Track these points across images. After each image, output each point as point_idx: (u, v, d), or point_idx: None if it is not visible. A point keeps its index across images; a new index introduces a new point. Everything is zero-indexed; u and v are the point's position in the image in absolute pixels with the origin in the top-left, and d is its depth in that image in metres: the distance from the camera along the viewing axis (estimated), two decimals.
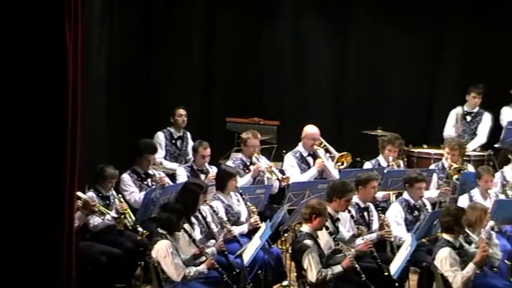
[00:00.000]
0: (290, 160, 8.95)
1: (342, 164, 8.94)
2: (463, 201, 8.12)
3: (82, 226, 7.27)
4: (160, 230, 6.64)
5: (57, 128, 5.43)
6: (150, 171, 8.28)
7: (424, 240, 7.50)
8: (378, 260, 7.05)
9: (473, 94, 9.93)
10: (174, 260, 6.49)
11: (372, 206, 7.76)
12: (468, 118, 10.01)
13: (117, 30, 9.96)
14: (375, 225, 7.68)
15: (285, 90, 11.30)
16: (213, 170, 8.48)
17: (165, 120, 9.52)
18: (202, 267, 6.66)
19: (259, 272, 7.17)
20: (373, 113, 11.01)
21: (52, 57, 5.37)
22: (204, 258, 6.81)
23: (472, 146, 9.82)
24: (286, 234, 8.07)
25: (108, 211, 7.44)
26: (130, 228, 7.54)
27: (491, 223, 7.64)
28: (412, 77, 11.17)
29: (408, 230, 7.62)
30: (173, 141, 9.42)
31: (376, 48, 11.26)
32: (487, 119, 9.96)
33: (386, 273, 6.90)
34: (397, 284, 6.96)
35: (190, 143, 9.32)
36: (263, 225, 7.21)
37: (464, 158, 9.16)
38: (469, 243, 6.94)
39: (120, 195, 7.73)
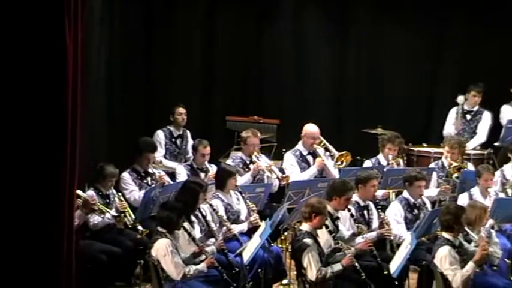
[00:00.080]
0: (290, 159, 8.96)
1: (342, 163, 8.94)
2: (462, 200, 8.12)
3: (82, 225, 7.28)
4: (160, 229, 6.64)
5: (57, 128, 5.45)
6: (150, 170, 8.29)
7: (423, 238, 7.51)
8: (377, 258, 7.05)
9: (473, 93, 9.94)
10: (174, 259, 6.49)
11: (371, 205, 7.76)
12: (468, 117, 10.02)
13: (117, 30, 9.96)
14: (375, 223, 7.69)
15: (285, 90, 11.30)
16: (212, 169, 8.49)
17: (165, 120, 9.53)
18: (202, 266, 6.67)
19: (259, 270, 7.17)
20: (373, 113, 11.01)
21: (52, 57, 5.39)
22: (203, 256, 6.80)
23: (472, 145, 9.83)
24: (286, 233, 8.10)
25: (108, 210, 7.45)
26: (130, 226, 7.55)
27: (491, 221, 7.64)
28: (412, 77, 11.17)
29: (408, 229, 7.63)
30: (173, 140, 9.43)
31: (376, 48, 11.26)
32: (486, 117, 9.97)
33: (386, 272, 6.90)
34: (396, 283, 6.97)
35: (190, 142, 9.32)
36: (263, 224, 7.20)
37: (464, 157, 9.17)
38: (469, 241, 6.95)
39: (120, 194, 7.74)
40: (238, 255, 7.11)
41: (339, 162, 8.95)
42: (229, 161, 8.78)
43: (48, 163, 5.42)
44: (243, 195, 7.87)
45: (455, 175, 8.83)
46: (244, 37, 11.17)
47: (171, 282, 6.51)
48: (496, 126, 9.97)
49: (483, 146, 9.92)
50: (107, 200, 7.63)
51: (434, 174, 8.91)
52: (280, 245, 8.22)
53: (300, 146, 9.03)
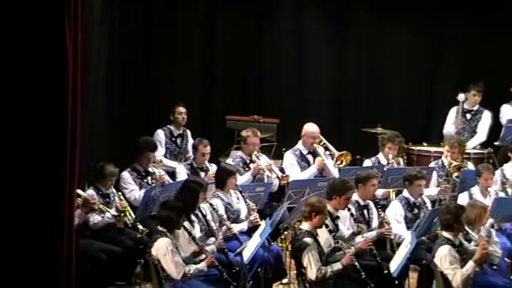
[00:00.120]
0: (290, 158, 8.97)
1: (341, 163, 8.95)
2: (462, 199, 8.12)
3: (82, 224, 7.28)
4: (160, 228, 6.64)
5: (57, 128, 5.45)
6: (150, 169, 8.30)
7: (423, 238, 7.51)
8: (377, 257, 7.05)
9: (473, 92, 9.94)
10: (174, 258, 6.49)
11: (371, 204, 7.77)
12: (468, 116, 10.02)
13: (117, 30, 9.96)
14: (375, 223, 7.69)
15: (285, 90, 11.30)
16: (212, 168, 8.50)
17: (165, 119, 9.53)
18: (202, 265, 6.67)
19: (259, 269, 7.17)
20: (373, 112, 10.99)
21: (52, 57, 5.39)
22: (203, 256, 6.80)
23: (472, 144, 9.83)
24: (286, 232, 8.10)
25: (108, 209, 7.46)
26: (130, 226, 7.56)
27: (491, 221, 7.63)
28: (412, 77, 11.17)
29: (408, 228, 7.63)
30: (173, 139, 9.43)
31: (376, 48, 11.26)
32: (486, 117, 9.97)
33: (386, 271, 6.91)
34: (396, 282, 6.98)
35: (190, 141, 9.32)
36: (263, 223, 7.21)
37: (464, 156, 9.17)
38: (469, 241, 6.94)
39: (120, 193, 7.75)
40: (238, 255, 7.11)
41: (339, 162, 8.95)
42: (229, 160, 8.78)
43: (48, 163, 5.42)
44: (243, 194, 7.87)
45: (455, 174, 8.83)
46: (244, 37, 11.17)
47: (171, 282, 6.51)
48: (496, 126, 9.98)
49: (483, 145, 9.92)
50: (107, 199, 7.63)
51: (434, 174, 8.91)
52: (280, 244, 8.22)
53: (300, 145, 9.04)
